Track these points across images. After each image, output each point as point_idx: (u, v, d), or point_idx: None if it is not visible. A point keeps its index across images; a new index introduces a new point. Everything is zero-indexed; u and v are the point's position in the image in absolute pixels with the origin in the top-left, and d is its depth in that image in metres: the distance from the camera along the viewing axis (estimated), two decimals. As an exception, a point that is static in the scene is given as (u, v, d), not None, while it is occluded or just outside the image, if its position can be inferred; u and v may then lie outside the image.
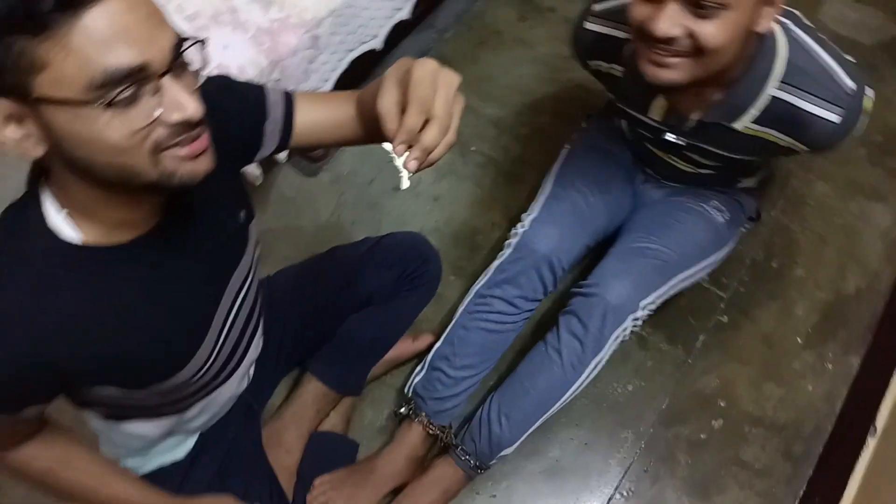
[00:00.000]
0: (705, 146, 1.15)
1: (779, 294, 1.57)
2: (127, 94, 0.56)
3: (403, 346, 1.38)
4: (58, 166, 0.64)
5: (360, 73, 1.55)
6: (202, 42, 0.64)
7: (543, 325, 1.29)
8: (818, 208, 1.68)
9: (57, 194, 0.67)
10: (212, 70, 0.87)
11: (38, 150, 0.60)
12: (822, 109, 1.00)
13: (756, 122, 1.05)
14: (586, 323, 1.22)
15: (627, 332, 1.24)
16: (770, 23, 0.94)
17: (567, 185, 1.37)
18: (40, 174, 0.68)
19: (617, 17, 1.10)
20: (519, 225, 1.36)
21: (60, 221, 0.67)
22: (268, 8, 1.25)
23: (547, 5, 2.03)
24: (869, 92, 1.02)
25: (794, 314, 1.55)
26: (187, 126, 0.61)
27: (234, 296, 0.87)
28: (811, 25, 1.04)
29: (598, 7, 1.14)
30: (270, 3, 1.25)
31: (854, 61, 1.03)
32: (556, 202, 1.35)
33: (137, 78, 0.56)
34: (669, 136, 1.15)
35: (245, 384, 1.05)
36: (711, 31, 0.87)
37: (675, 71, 0.93)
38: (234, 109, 0.81)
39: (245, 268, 0.88)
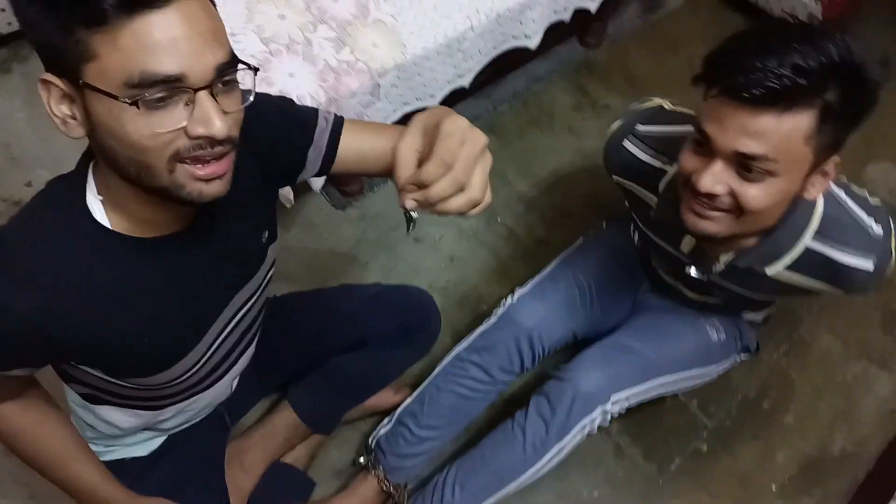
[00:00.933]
0: (728, 285, 1.14)
1: (763, 436, 1.55)
2: (155, 97, 0.59)
3: (383, 397, 1.39)
4: (98, 154, 0.68)
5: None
6: (254, 70, 0.67)
7: (518, 405, 1.29)
8: (821, 361, 1.67)
9: (97, 181, 0.71)
10: (273, 93, 0.91)
11: (78, 132, 0.64)
12: (856, 259, 1.00)
13: (789, 268, 1.05)
14: (555, 407, 1.22)
15: (595, 423, 1.23)
16: (819, 192, 0.93)
17: (567, 271, 1.39)
18: (91, 158, 0.72)
19: (659, 145, 1.10)
20: (509, 296, 1.39)
21: (96, 205, 0.71)
22: (340, 49, 1.31)
23: (603, 102, 2.09)
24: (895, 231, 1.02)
25: (774, 460, 1.53)
26: (209, 143, 0.63)
27: (236, 309, 0.90)
28: (842, 181, 1.05)
29: (641, 128, 1.13)
30: (344, 44, 1.32)
31: (879, 204, 1.04)
32: (550, 282, 1.38)
33: (172, 86, 0.59)
34: (693, 272, 1.14)
35: (225, 396, 1.06)
36: (754, 193, 0.87)
37: (714, 224, 0.93)
38: (284, 132, 0.85)
39: (254, 285, 0.91)
